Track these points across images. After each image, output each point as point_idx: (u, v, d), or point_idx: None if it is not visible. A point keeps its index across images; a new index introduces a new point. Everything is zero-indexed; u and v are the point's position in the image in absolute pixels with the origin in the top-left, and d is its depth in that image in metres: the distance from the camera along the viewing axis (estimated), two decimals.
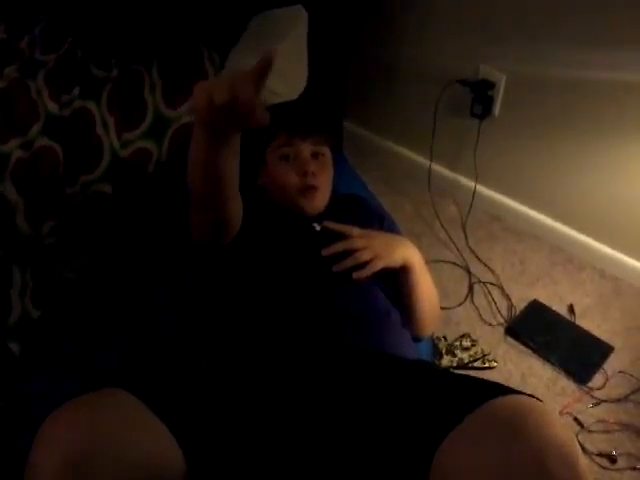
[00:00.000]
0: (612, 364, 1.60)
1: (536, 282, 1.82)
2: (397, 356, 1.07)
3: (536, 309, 1.74)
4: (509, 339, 1.67)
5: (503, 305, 1.76)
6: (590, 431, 1.46)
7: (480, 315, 1.73)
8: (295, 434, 0.92)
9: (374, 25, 1.97)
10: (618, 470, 1.40)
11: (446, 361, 1.58)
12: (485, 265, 1.86)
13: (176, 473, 0.82)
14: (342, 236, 1.20)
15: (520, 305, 1.75)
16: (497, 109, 1.83)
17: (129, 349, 1.27)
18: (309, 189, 1.25)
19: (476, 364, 1.59)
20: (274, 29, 1.14)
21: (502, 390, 0.84)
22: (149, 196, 1.46)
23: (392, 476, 0.86)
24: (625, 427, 1.47)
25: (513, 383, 1.55)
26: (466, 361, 1.59)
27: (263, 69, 0.84)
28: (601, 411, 1.50)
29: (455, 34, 1.80)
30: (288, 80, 1.06)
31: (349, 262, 1.16)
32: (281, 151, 1.28)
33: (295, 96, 1.07)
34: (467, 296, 1.78)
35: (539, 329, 1.67)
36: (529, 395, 0.83)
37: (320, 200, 1.29)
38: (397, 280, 1.25)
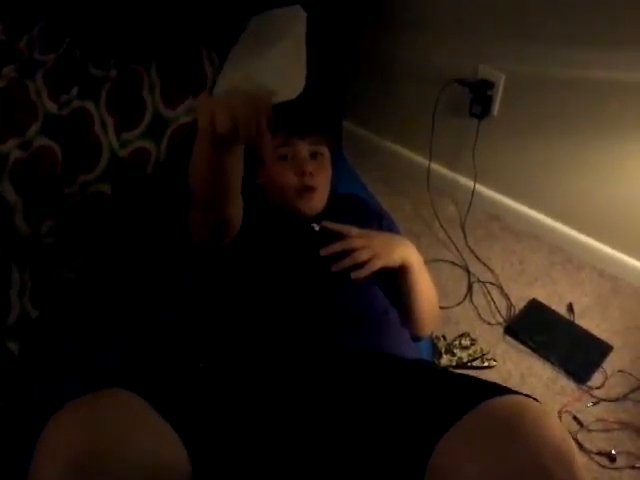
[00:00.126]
0: (611, 363, 1.60)
1: (535, 281, 1.82)
2: (396, 355, 1.07)
3: (535, 308, 1.74)
4: (508, 338, 1.67)
5: (502, 304, 1.76)
6: (589, 430, 1.47)
7: (479, 314, 1.73)
8: (295, 434, 0.92)
9: (373, 25, 1.97)
10: (617, 469, 1.40)
11: (445, 360, 1.58)
12: (484, 264, 1.86)
13: (181, 473, 0.81)
14: (341, 236, 1.20)
15: (519, 304, 1.75)
16: (496, 109, 1.82)
17: (128, 349, 1.27)
18: (307, 189, 1.25)
19: (475, 363, 1.59)
20: (273, 29, 1.14)
21: (499, 390, 0.84)
22: (148, 196, 1.46)
23: (389, 475, 0.86)
24: (624, 426, 1.47)
25: (512, 383, 1.55)
26: (465, 360, 1.59)
27: (267, 108, 0.87)
28: (600, 410, 1.51)
29: (454, 34, 1.80)
30: (287, 80, 1.07)
31: (348, 262, 1.15)
32: (279, 151, 1.28)
33: (294, 96, 1.07)
34: (466, 295, 1.78)
35: (538, 328, 1.67)
36: (526, 395, 0.84)
37: (318, 200, 1.28)
38: (396, 280, 1.25)
